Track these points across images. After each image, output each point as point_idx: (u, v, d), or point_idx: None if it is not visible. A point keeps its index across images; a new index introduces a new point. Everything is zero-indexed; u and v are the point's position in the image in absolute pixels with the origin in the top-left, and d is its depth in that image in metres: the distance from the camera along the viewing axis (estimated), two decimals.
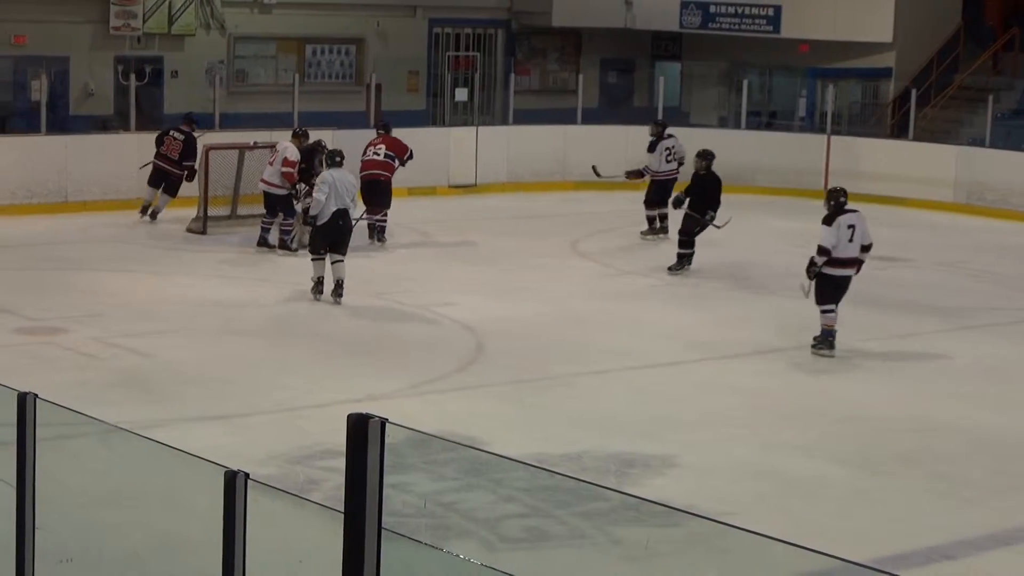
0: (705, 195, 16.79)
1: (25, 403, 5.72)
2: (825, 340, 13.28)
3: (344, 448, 4.50)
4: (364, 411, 4.56)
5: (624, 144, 22.77)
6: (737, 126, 25.47)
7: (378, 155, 18.50)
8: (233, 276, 16.31)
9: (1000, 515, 9.42)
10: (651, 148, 19.70)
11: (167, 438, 6.14)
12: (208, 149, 18.94)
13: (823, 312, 13.31)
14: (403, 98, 26.14)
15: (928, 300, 16.02)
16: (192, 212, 18.93)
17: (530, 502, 8.85)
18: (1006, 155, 22.81)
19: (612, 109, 27.60)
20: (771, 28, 26.69)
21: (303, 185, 16.92)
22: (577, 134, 24.13)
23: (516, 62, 27.85)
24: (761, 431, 10.96)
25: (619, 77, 29.59)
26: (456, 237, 19.18)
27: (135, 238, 18.26)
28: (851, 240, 13.20)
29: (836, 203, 13.34)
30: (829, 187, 13.82)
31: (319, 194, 14.78)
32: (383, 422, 4.46)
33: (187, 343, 13.08)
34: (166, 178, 19.41)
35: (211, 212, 18.77)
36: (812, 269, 13.25)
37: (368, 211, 18.02)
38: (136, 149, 20.24)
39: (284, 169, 17.18)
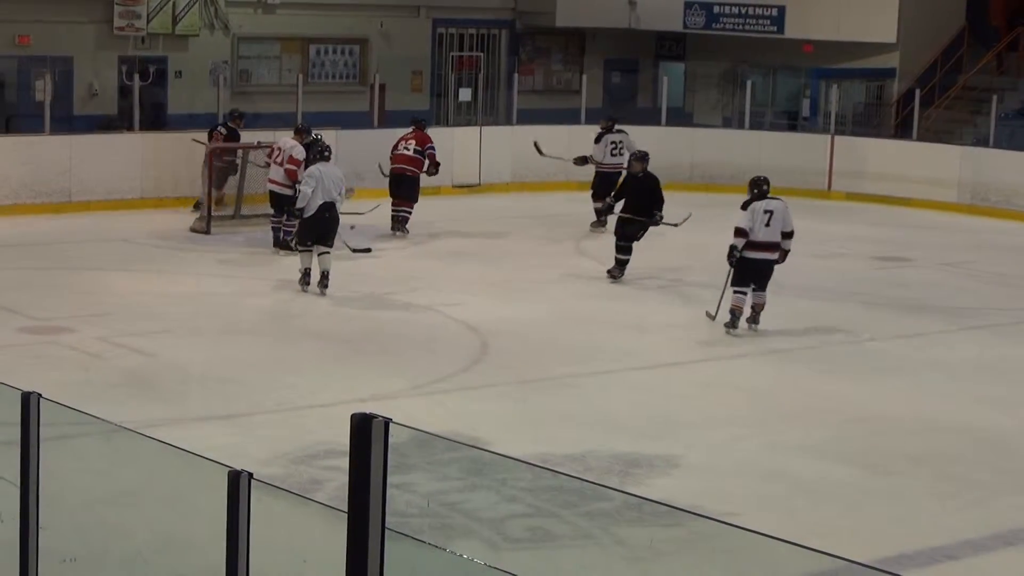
0: (646, 197, 16.39)
1: (29, 402, 5.72)
2: (732, 321, 13.79)
3: (348, 448, 4.49)
4: (368, 411, 4.56)
5: None
6: (741, 126, 25.45)
7: (407, 150, 19.14)
8: (237, 276, 16.31)
9: (1005, 516, 9.40)
10: (597, 140, 20.45)
11: (171, 438, 6.13)
12: (211, 150, 18.96)
13: (734, 293, 13.83)
14: (407, 98, 26.14)
15: (932, 300, 16.00)
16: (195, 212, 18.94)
17: (534, 502, 8.84)
18: (1010, 155, 22.73)
19: (616, 109, 27.57)
20: (775, 28, 26.69)
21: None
22: (581, 134, 24.10)
23: (520, 62, 27.85)
24: (765, 431, 10.95)
25: (623, 77, 29.58)
26: (460, 237, 19.18)
27: (139, 238, 18.26)
28: (768, 224, 13.75)
29: (759, 191, 13.96)
30: (752, 176, 14.24)
31: (305, 187, 15.21)
32: (387, 422, 4.45)
33: (191, 343, 13.08)
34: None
35: (215, 212, 18.78)
36: (733, 253, 13.75)
37: (394, 203, 18.81)
38: (140, 149, 20.26)
39: (288, 167, 17.19)
